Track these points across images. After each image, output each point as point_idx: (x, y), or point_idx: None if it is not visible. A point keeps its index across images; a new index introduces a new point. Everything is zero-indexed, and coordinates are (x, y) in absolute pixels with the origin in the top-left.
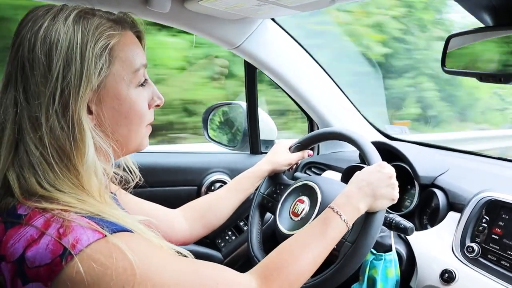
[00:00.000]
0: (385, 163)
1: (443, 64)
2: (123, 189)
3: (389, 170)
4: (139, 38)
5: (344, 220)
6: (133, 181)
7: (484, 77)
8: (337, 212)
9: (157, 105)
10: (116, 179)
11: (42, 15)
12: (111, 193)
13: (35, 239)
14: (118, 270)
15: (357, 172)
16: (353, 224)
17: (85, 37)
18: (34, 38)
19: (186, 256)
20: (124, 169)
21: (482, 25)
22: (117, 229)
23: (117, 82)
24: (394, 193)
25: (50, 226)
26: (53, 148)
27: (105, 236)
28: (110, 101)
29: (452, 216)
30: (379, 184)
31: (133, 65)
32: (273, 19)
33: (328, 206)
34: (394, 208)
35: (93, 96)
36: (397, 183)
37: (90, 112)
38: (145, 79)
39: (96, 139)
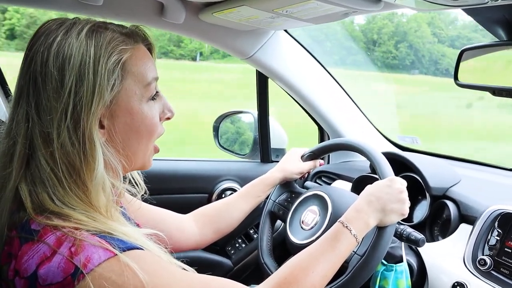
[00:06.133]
0: (396, 177)
1: (455, 77)
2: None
3: (400, 185)
4: (150, 50)
5: (354, 234)
6: (137, 194)
7: (497, 91)
8: (347, 227)
9: (168, 118)
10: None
11: (55, 29)
12: (120, 207)
13: (48, 257)
14: None
15: (368, 186)
16: (362, 237)
17: (98, 52)
18: (47, 52)
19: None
20: (130, 182)
21: (496, 39)
22: (128, 247)
23: (129, 97)
24: (404, 208)
25: (62, 245)
26: (63, 163)
27: (116, 254)
28: (122, 116)
29: (464, 228)
30: (389, 199)
31: (145, 79)
32: (285, 30)
33: (338, 220)
34: (405, 219)
35: (105, 112)
36: (407, 198)
37: (102, 126)
38: (156, 92)
39: (106, 154)
